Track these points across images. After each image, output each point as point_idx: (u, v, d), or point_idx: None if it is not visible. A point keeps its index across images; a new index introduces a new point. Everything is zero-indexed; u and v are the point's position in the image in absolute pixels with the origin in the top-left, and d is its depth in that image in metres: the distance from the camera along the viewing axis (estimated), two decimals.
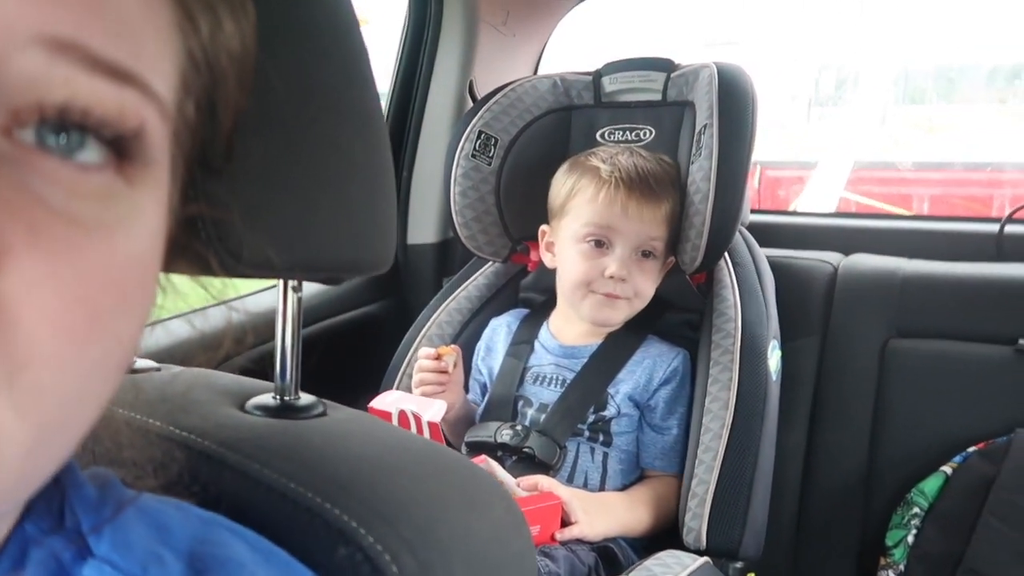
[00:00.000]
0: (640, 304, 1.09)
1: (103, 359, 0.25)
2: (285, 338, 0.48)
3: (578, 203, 1.07)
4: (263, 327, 0.47)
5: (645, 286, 1.08)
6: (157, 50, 0.26)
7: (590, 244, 1.06)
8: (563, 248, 1.10)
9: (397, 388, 1.16)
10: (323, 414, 0.46)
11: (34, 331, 0.22)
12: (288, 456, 0.39)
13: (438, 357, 1.08)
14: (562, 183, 1.11)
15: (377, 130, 0.43)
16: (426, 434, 0.92)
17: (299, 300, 0.48)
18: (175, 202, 0.30)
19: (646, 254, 1.07)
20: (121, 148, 0.25)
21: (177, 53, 0.27)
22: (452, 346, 1.11)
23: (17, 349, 0.22)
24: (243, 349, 0.39)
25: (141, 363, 0.51)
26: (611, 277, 1.05)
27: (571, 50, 1.73)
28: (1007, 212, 1.32)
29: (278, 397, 0.46)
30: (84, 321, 0.24)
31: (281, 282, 0.48)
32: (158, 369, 0.51)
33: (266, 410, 0.45)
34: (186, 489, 0.36)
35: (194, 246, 0.34)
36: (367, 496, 0.37)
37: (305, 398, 0.47)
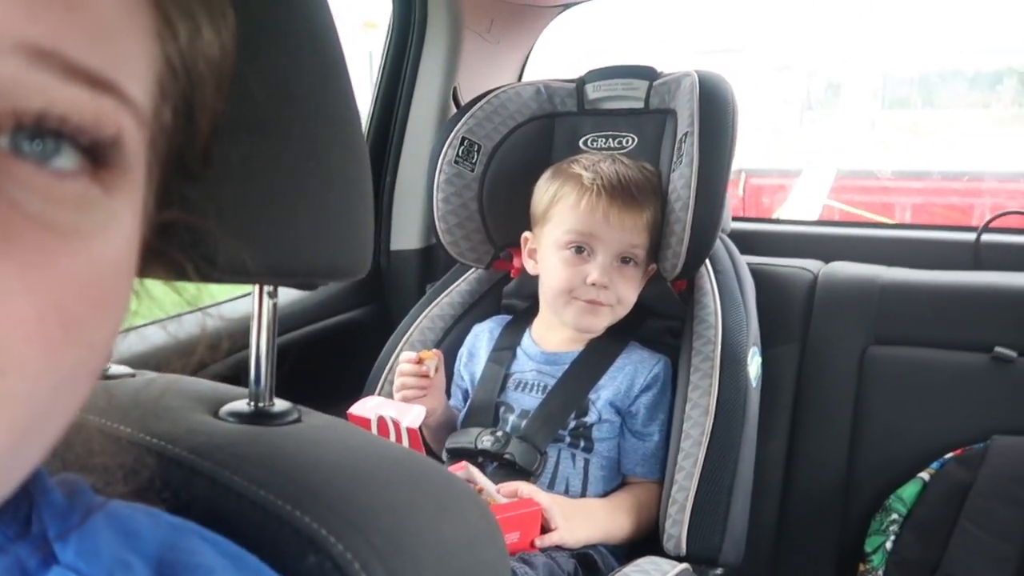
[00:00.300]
0: (622, 311, 1.09)
1: (76, 367, 0.25)
2: (260, 344, 0.48)
3: (560, 210, 1.08)
4: (240, 334, 0.47)
5: (627, 293, 1.08)
6: (135, 56, 0.26)
7: (572, 251, 1.07)
8: (545, 255, 1.10)
9: (379, 394, 1.16)
10: (298, 420, 0.46)
11: (8, 339, 0.22)
12: (260, 463, 0.39)
13: (419, 361, 1.08)
14: (544, 190, 1.11)
15: (354, 136, 0.43)
16: (404, 440, 0.91)
17: (274, 306, 0.48)
18: (150, 208, 0.30)
19: (627, 261, 1.08)
20: (97, 155, 0.25)
21: (155, 59, 0.27)
22: (434, 350, 1.11)
23: None
24: (219, 355, 0.39)
25: (116, 369, 0.51)
26: (593, 284, 1.05)
27: (564, 57, 1.73)
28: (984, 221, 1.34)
29: (252, 403, 0.46)
30: (58, 329, 0.23)
31: (256, 287, 0.47)
32: (132, 375, 0.50)
33: (240, 416, 0.45)
34: (157, 495, 0.36)
35: (169, 251, 0.34)
36: (338, 504, 0.37)
37: (280, 404, 0.47)
